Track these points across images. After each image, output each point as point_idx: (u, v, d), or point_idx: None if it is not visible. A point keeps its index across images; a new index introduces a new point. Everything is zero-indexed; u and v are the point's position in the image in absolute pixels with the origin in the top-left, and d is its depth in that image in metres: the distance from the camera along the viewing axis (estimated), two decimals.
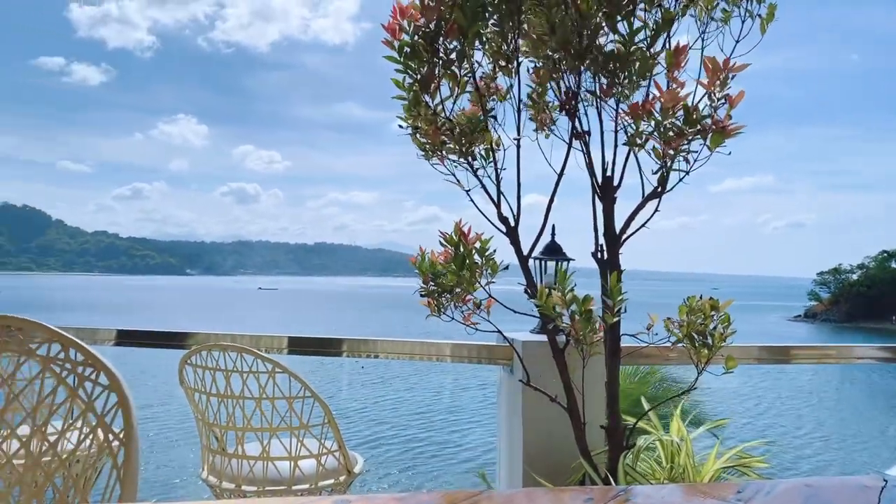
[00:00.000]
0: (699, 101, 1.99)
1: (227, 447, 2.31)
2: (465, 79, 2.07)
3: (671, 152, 1.92)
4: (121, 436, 1.24)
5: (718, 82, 1.87)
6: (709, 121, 1.89)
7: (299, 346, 3.61)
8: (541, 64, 2.17)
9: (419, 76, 2.03)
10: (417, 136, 2.15)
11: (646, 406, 2.75)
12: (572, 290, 2.06)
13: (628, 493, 0.95)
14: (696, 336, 2.02)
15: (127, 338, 3.79)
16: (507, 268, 2.21)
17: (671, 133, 1.88)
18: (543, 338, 2.84)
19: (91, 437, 1.27)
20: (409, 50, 1.97)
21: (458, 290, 2.34)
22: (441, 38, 1.99)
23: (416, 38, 2.01)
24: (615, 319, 2.07)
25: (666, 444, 2.42)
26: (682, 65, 1.91)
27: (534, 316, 2.79)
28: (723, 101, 1.88)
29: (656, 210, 2.10)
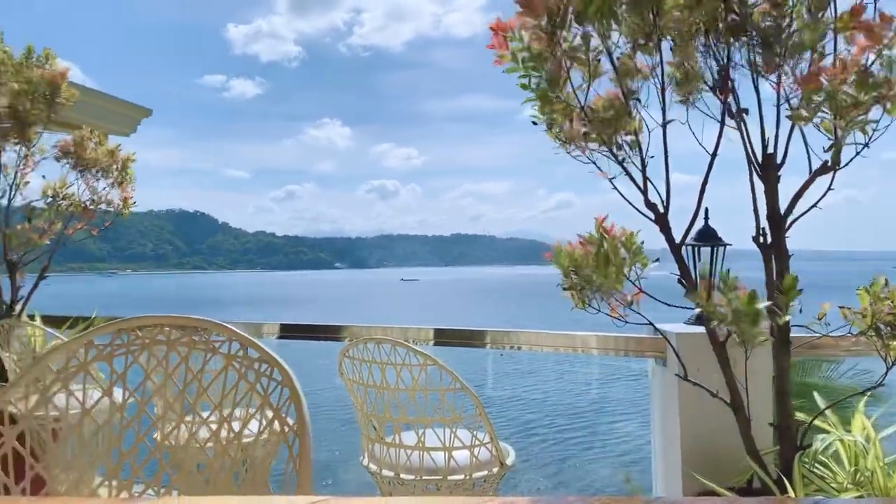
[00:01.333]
0: (872, 64, 1.75)
1: (385, 436, 2.42)
2: (597, 62, 1.98)
3: (843, 124, 1.71)
4: (295, 428, 1.34)
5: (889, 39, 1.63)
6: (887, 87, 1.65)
7: (444, 337, 3.71)
8: (684, 40, 2.02)
9: (544, 74, 1.97)
10: (553, 130, 2.10)
11: (819, 402, 2.50)
12: (737, 289, 1.90)
13: None
14: (883, 327, 1.79)
15: (288, 331, 4.11)
16: (657, 260, 2.10)
17: (846, 102, 1.67)
18: (700, 329, 2.68)
19: (269, 427, 1.39)
20: (526, 55, 1.91)
21: (603, 288, 2.26)
22: (558, 31, 1.91)
23: (529, 41, 1.95)
24: (787, 318, 1.89)
25: (848, 444, 2.19)
26: (883, 35, 1.66)
27: (688, 308, 2.64)
28: None
29: (829, 188, 1.89)
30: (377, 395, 2.39)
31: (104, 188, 4.08)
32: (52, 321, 4.35)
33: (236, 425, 1.44)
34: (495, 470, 2.34)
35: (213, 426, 1.43)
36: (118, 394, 1.43)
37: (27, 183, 3.86)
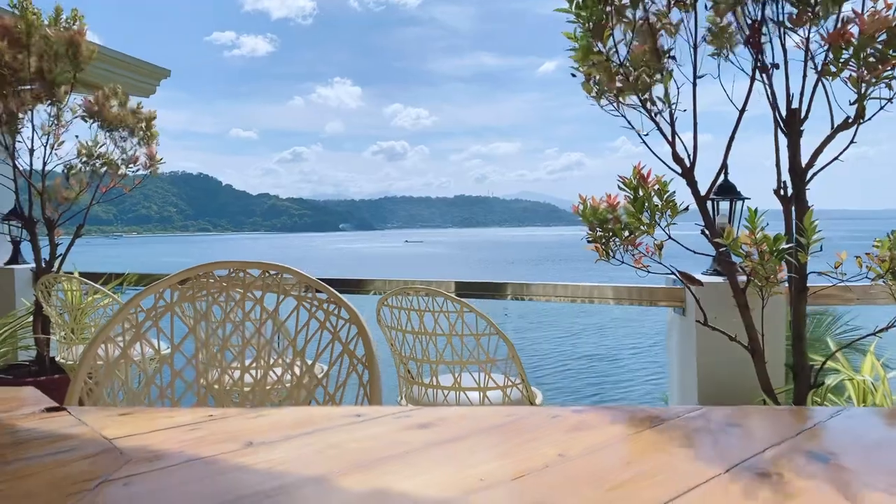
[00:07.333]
0: None
1: (422, 378, 2.59)
2: (640, 22, 2.07)
3: (873, 80, 1.81)
4: (364, 360, 1.48)
5: None
6: None
7: (466, 289, 3.86)
8: None
9: (590, 24, 2.06)
10: (590, 83, 2.19)
11: (832, 347, 2.65)
12: (762, 229, 2.04)
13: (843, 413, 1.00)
14: None
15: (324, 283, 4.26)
16: (686, 209, 2.22)
17: (872, 59, 1.76)
18: (718, 279, 2.82)
19: (339, 361, 1.53)
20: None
21: (628, 234, 2.38)
22: None
23: None
24: (808, 259, 2.02)
25: (857, 383, 2.34)
26: None
27: (707, 254, 2.76)
28: None
29: (852, 141, 1.99)
30: (415, 340, 2.54)
31: (132, 148, 4.18)
32: (86, 278, 4.52)
33: (309, 360, 1.59)
34: None
35: (287, 360, 1.58)
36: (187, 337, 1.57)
37: (61, 143, 3.96)
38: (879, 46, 1.77)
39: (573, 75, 2.22)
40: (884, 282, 1.96)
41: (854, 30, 1.83)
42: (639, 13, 2.10)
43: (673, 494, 0.68)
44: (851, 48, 1.80)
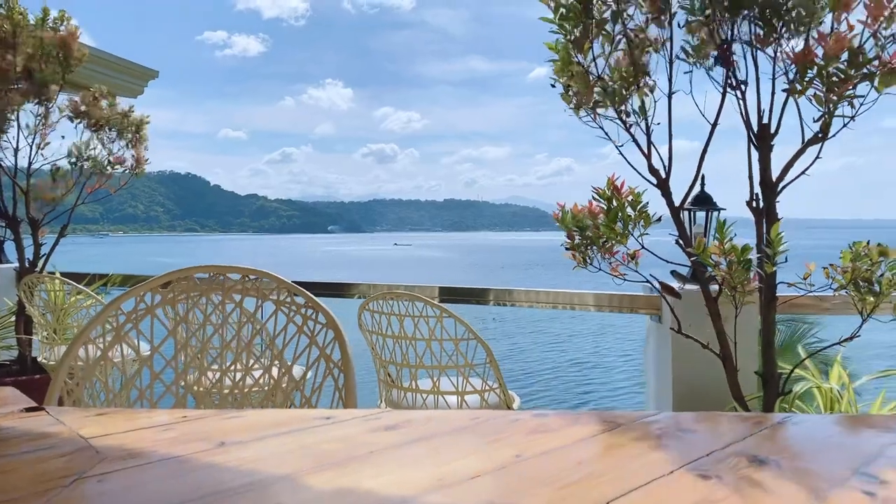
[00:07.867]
0: (865, 42, 1.91)
1: (402, 382, 2.63)
2: (619, 37, 2.13)
3: (834, 98, 1.87)
4: (339, 364, 1.52)
5: (884, 19, 1.78)
6: (876, 62, 1.81)
7: (449, 294, 3.91)
8: (694, 17, 2.16)
9: (573, 37, 2.11)
10: (569, 93, 2.25)
11: (803, 356, 2.72)
12: (731, 239, 2.10)
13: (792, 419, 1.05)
14: (861, 283, 1.98)
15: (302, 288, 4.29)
16: (659, 220, 2.28)
17: (835, 79, 1.83)
18: (693, 287, 2.88)
19: (316, 365, 1.57)
20: (564, 11, 2.06)
21: (607, 243, 2.44)
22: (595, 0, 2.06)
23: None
24: (774, 269, 2.08)
25: (825, 391, 2.40)
26: (853, 6, 1.83)
27: (683, 264, 2.83)
28: (891, 39, 1.79)
29: (818, 157, 2.06)
30: (395, 345, 2.58)
31: (119, 149, 4.20)
32: (70, 278, 4.52)
33: (287, 363, 1.62)
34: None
35: (266, 363, 1.62)
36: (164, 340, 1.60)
37: (48, 143, 3.97)
38: (842, 66, 1.84)
39: (552, 85, 2.27)
40: (846, 292, 2.02)
41: (819, 50, 1.89)
42: (617, 27, 2.16)
43: (618, 493, 0.73)
44: (815, 68, 1.86)
